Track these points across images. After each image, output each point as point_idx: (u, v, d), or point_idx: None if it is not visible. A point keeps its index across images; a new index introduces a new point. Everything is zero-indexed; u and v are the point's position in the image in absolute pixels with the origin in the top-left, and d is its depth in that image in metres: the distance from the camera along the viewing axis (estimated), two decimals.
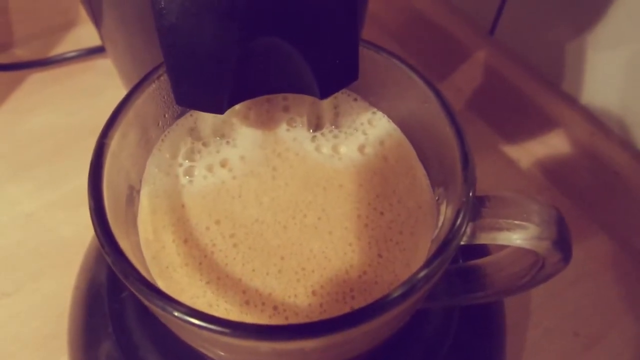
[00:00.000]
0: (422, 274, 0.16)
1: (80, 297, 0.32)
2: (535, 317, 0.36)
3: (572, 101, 0.40)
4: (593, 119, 0.39)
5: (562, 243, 0.20)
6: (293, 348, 0.20)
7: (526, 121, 0.42)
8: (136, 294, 0.16)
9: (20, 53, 0.48)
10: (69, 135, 0.43)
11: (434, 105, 0.20)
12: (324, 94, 0.20)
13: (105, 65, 0.47)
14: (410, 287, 0.16)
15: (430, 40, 0.46)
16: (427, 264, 0.17)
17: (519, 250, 0.23)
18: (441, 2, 0.46)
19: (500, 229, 0.20)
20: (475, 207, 0.19)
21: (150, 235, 0.20)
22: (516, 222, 0.20)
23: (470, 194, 0.18)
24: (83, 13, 0.49)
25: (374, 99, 0.23)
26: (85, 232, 0.33)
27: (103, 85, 0.46)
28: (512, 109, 0.42)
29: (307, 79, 0.19)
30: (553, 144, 0.40)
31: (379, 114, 0.22)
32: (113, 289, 0.30)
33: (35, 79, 0.46)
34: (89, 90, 0.46)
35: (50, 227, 0.38)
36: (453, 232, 0.17)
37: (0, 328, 0.34)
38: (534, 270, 0.23)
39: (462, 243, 0.20)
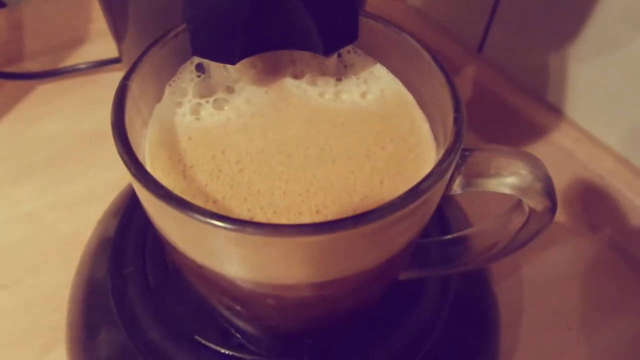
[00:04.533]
0: (426, 183, 0.17)
1: (81, 283, 0.32)
2: (529, 313, 0.36)
3: (557, 111, 0.42)
4: (577, 126, 0.41)
5: (550, 189, 0.21)
6: (293, 297, 0.21)
7: (514, 131, 0.44)
8: (156, 199, 0.17)
9: (30, 66, 0.49)
10: (72, 142, 0.44)
11: (426, 62, 0.22)
12: (327, 52, 0.21)
13: (112, 79, 0.48)
14: (413, 194, 0.17)
15: None
16: (428, 177, 0.18)
17: (505, 215, 0.24)
18: (431, 23, 0.49)
19: (489, 175, 0.21)
20: (466, 156, 0.20)
21: (155, 164, 0.21)
22: (505, 169, 0.21)
23: (460, 132, 0.19)
24: (92, 30, 0.52)
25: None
26: (84, 232, 0.33)
27: (109, 97, 0.47)
28: (501, 120, 0.44)
29: (312, 37, 0.21)
30: (541, 152, 0.42)
31: (379, 65, 0.24)
32: (115, 270, 0.30)
33: (43, 90, 0.48)
34: (94, 102, 0.47)
35: (50, 227, 0.38)
36: (450, 151, 0.18)
37: None
38: (521, 222, 0.23)
39: (454, 191, 0.21)
